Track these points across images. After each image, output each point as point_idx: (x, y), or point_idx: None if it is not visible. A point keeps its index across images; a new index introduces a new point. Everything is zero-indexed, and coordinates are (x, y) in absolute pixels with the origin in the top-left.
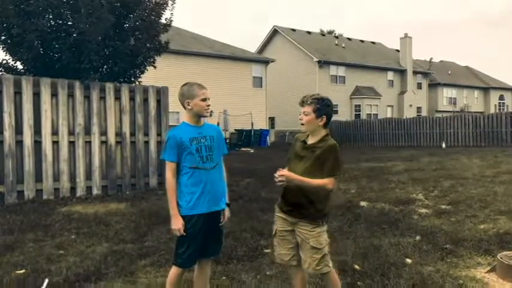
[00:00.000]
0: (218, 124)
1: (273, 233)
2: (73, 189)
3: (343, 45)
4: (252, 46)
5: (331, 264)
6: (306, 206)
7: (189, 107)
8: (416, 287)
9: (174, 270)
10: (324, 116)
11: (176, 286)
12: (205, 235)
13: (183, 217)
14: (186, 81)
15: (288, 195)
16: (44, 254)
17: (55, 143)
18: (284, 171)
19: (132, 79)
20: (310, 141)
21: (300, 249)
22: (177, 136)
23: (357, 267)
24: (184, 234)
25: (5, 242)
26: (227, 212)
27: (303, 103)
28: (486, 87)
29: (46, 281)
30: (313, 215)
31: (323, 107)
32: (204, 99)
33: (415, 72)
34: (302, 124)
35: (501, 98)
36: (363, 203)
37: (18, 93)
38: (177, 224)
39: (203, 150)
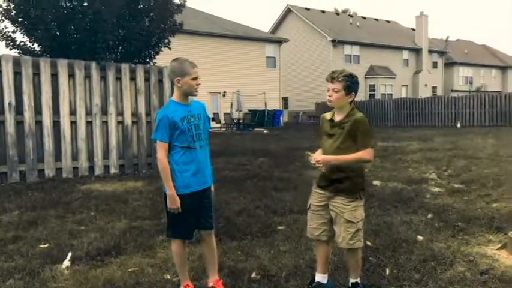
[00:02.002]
0: (232, 104)
1: (307, 207)
2: (91, 168)
3: (358, 24)
4: (265, 26)
5: (362, 240)
6: (342, 180)
7: (178, 85)
8: (427, 263)
9: (174, 244)
10: (353, 93)
11: (181, 256)
12: (197, 211)
13: (179, 196)
14: (189, 59)
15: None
16: (66, 230)
17: (73, 123)
18: (319, 157)
19: (147, 60)
20: (338, 118)
21: (334, 224)
22: (169, 116)
23: (369, 243)
24: (181, 211)
25: (29, 218)
26: (212, 187)
27: (332, 79)
28: (504, 66)
29: (69, 254)
30: (350, 188)
31: (353, 84)
32: (195, 78)
33: (430, 51)
34: (330, 101)
35: None
36: (375, 182)
37: (36, 74)
38: (176, 203)
39: (193, 129)
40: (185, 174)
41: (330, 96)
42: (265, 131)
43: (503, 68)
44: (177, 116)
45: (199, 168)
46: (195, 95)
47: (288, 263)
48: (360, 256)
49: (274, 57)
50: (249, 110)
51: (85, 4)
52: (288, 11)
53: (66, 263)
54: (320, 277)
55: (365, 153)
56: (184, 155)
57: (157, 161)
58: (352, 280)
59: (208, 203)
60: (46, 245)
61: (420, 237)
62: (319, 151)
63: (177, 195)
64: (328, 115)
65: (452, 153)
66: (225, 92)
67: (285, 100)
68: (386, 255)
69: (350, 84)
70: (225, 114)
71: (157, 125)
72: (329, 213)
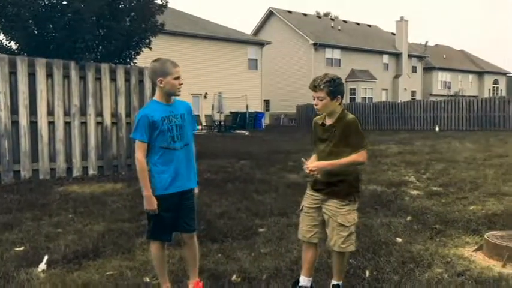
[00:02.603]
0: (213, 106)
1: (300, 208)
2: (69, 169)
3: (339, 28)
4: (247, 28)
5: (354, 244)
6: (337, 184)
7: (161, 85)
8: (405, 265)
9: (152, 246)
10: (339, 96)
11: (160, 258)
12: (177, 212)
13: (156, 197)
14: (171, 59)
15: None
16: (42, 232)
17: (51, 124)
18: (312, 164)
19: (128, 60)
20: (328, 121)
21: (326, 227)
22: (149, 115)
23: None
24: (158, 212)
25: (4, 220)
26: (196, 190)
27: (315, 88)
28: (481, 71)
29: (45, 257)
30: (345, 191)
31: (336, 88)
32: (177, 78)
33: (410, 56)
34: (317, 109)
35: (495, 82)
36: None
37: (13, 73)
38: (152, 204)
39: (174, 129)
40: (163, 175)
41: (316, 104)
42: (246, 133)
43: (479, 74)
44: (157, 115)
45: (178, 169)
46: (178, 95)
47: (268, 265)
48: (347, 259)
49: (256, 59)
50: (231, 112)
51: (64, 2)
52: (270, 14)
53: (42, 266)
54: (305, 280)
55: (358, 156)
56: (163, 155)
57: (136, 161)
58: (334, 282)
59: (190, 205)
60: (21, 248)
61: (399, 240)
62: (313, 157)
63: (156, 196)
64: (319, 119)
65: (430, 156)
66: (206, 93)
67: (266, 102)
68: (366, 257)
69: (333, 89)
70: (206, 116)
71: (136, 124)
72: (321, 216)
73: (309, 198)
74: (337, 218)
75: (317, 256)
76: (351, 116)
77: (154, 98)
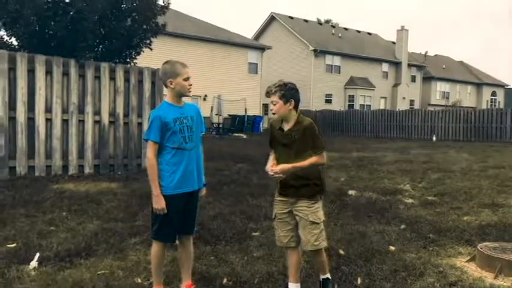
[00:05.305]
0: (212, 109)
1: (273, 216)
2: (65, 167)
3: (340, 35)
4: (247, 31)
5: (326, 240)
6: (303, 185)
7: (171, 86)
8: (397, 273)
9: (155, 246)
10: (292, 100)
11: (160, 259)
12: (183, 213)
13: (165, 196)
14: (180, 60)
15: (285, 178)
16: (35, 230)
17: (48, 121)
18: (277, 167)
19: (128, 60)
20: (286, 127)
21: (299, 229)
22: (162, 116)
23: (342, 252)
24: (166, 212)
25: None
26: (204, 191)
27: (268, 94)
28: (479, 82)
29: (37, 255)
30: (311, 192)
31: (288, 91)
32: (187, 79)
33: (409, 65)
34: (273, 113)
35: (493, 94)
36: (351, 192)
37: (12, 69)
38: (161, 203)
39: (185, 130)
40: (174, 175)
41: (271, 109)
42: (244, 137)
43: (478, 85)
44: (169, 117)
45: (188, 169)
46: (189, 95)
47: (261, 269)
48: (324, 255)
49: (256, 64)
50: (229, 115)
51: (67, 1)
52: (271, 19)
53: (34, 263)
54: (293, 286)
55: (319, 158)
56: (175, 155)
57: (146, 160)
58: (322, 276)
59: (195, 206)
60: (13, 245)
61: (392, 248)
62: (272, 157)
63: (165, 195)
64: (276, 123)
65: (427, 165)
66: (206, 95)
67: (265, 106)
68: (358, 265)
69: (285, 93)
70: (204, 118)
71: (149, 125)
72: (294, 219)
73: (279, 204)
74: (308, 216)
75: (301, 260)
76: (308, 120)
77: (166, 99)
